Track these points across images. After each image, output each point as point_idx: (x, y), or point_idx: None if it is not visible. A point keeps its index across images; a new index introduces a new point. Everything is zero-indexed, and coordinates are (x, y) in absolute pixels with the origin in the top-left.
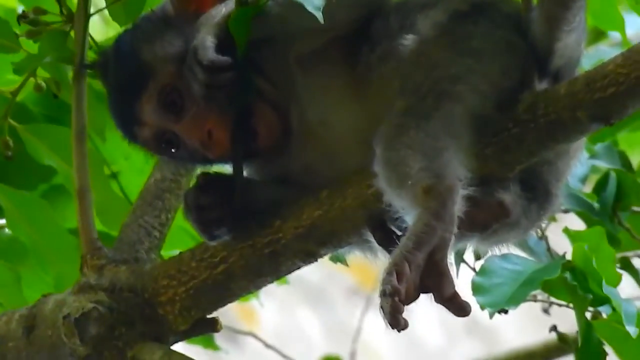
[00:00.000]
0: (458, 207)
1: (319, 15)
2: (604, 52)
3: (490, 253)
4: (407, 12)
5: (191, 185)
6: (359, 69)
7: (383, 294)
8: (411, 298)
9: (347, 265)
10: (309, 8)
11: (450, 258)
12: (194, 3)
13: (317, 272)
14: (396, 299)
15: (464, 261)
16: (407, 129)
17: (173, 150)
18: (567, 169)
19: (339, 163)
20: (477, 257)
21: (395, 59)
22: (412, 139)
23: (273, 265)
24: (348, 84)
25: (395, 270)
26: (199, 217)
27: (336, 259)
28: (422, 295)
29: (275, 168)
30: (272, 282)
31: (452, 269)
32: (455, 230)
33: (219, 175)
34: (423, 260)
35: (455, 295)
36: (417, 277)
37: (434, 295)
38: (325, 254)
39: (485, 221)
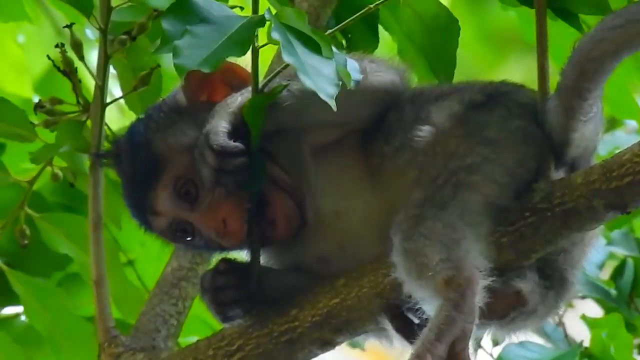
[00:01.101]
0: (479, 298)
1: (333, 104)
2: (620, 138)
3: (507, 340)
4: (422, 103)
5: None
6: (373, 159)
7: None
8: None
9: (363, 350)
10: (322, 96)
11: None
12: (205, 92)
13: (334, 357)
14: None
15: (481, 347)
16: (424, 220)
17: (188, 239)
18: (582, 256)
19: (352, 253)
20: (495, 344)
21: (410, 150)
22: (430, 229)
23: (289, 353)
24: (362, 174)
25: None
26: (214, 298)
27: (354, 345)
28: None
29: (289, 256)
30: None
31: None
32: (477, 320)
33: (237, 262)
34: (444, 351)
35: None
36: None
37: None
38: (341, 342)
39: (502, 310)
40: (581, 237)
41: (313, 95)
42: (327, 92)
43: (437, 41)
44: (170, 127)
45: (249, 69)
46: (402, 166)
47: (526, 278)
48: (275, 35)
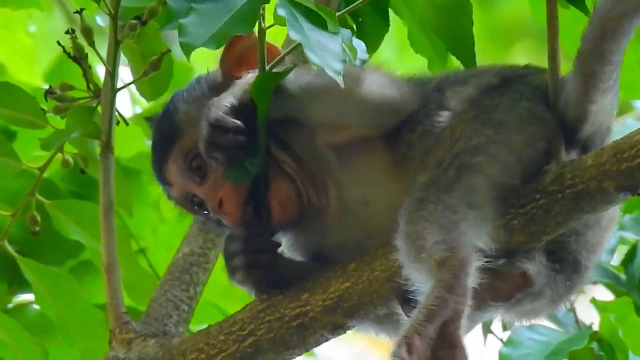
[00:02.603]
0: (473, 279)
1: (340, 80)
2: (630, 126)
3: (517, 323)
4: (444, 90)
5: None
6: (400, 147)
7: None
8: None
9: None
10: (329, 72)
11: (475, 328)
12: (243, 69)
13: (345, 350)
14: None
15: (491, 332)
16: (427, 203)
17: (205, 212)
18: (599, 241)
19: (377, 241)
20: (505, 328)
21: (433, 136)
22: (431, 212)
23: (301, 338)
24: (390, 163)
25: (405, 342)
26: (246, 244)
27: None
28: None
29: (311, 243)
30: (300, 354)
31: (466, 341)
32: (470, 302)
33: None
34: (435, 332)
35: None
36: (429, 350)
37: None
38: (352, 327)
39: (507, 291)
40: (596, 220)
41: (313, 89)
42: (334, 67)
43: (450, 22)
44: (197, 100)
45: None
46: (425, 152)
47: (534, 259)
48: (281, 12)
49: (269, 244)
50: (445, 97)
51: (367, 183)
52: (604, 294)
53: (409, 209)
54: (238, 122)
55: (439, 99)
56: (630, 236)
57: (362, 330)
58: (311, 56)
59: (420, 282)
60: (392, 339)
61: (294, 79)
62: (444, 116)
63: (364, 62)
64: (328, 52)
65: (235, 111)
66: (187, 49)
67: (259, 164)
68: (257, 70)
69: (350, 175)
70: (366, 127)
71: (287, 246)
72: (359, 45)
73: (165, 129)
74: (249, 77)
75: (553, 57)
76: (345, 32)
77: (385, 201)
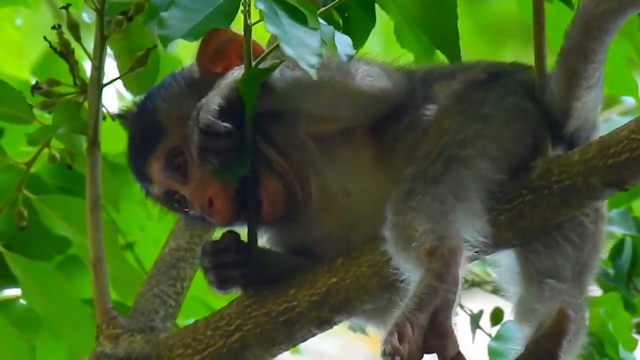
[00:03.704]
0: (463, 269)
1: (313, 73)
2: (616, 122)
3: (506, 318)
4: (431, 82)
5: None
6: (385, 139)
7: (383, 354)
8: (414, 358)
9: (366, 334)
10: (303, 65)
11: (463, 324)
12: (221, 64)
13: (334, 343)
14: (397, 359)
15: (479, 327)
16: (414, 194)
17: (185, 210)
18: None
19: (360, 233)
20: (494, 323)
21: (419, 128)
22: (419, 203)
23: (288, 333)
24: (374, 154)
25: (396, 330)
26: (215, 261)
27: (355, 329)
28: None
29: (294, 237)
30: (287, 350)
31: (456, 330)
32: (459, 290)
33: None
34: (425, 320)
35: (459, 355)
36: (420, 338)
37: (437, 355)
38: (339, 322)
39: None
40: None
41: (302, 84)
42: (308, 61)
43: (435, 16)
44: (176, 97)
45: (263, 44)
46: (410, 144)
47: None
48: (260, 5)
49: (237, 259)
50: (432, 90)
51: (349, 174)
52: (592, 289)
53: (397, 200)
54: (228, 125)
55: (426, 91)
56: (618, 230)
57: (352, 321)
58: (286, 49)
59: (410, 272)
60: (381, 331)
61: (280, 74)
62: (430, 109)
63: (350, 57)
64: (305, 47)
65: (223, 111)
66: (165, 40)
67: (248, 164)
68: (239, 66)
69: (331, 166)
70: (358, 117)
71: (269, 242)
72: (345, 40)
73: (145, 128)
74: (235, 74)
75: (539, 53)
76: (328, 29)
77: (368, 192)
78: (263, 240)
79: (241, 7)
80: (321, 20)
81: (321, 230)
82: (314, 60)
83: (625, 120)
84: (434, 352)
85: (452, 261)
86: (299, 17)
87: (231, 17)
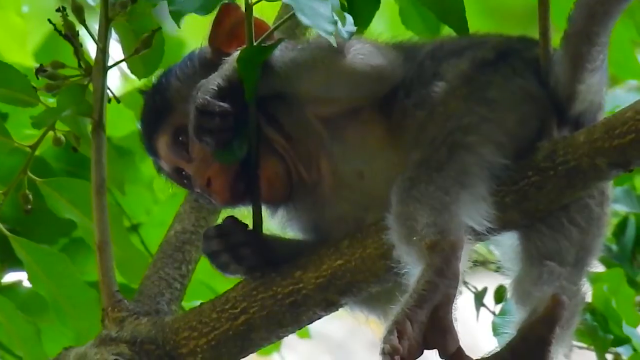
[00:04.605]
0: (464, 263)
1: (332, 40)
2: (620, 97)
3: (509, 295)
4: (440, 58)
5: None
6: (395, 116)
7: (382, 353)
8: (414, 355)
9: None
10: (321, 33)
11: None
12: (232, 45)
13: (340, 326)
14: (396, 358)
15: (484, 305)
16: (418, 182)
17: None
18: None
19: (375, 214)
20: (498, 301)
21: (427, 106)
22: (422, 192)
23: (294, 315)
24: (383, 133)
25: (396, 328)
26: (226, 242)
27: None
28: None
29: (309, 220)
30: (293, 332)
31: (456, 325)
32: (460, 285)
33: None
34: (426, 316)
35: (460, 351)
36: (420, 334)
37: (438, 351)
38: (345, 304)
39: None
40: None
41: (299, 65)
42: (326, 29)
43: None
44: (188, 77)
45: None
46: (422, 121)
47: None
48: None
49: (247, 237)
50: (441, 67)
51: (361, 154)
52: (596, 266)
53: (401, 188)
54: (225, 105)
55: (435, 67)
56: (622, 208)
57: (353, 311)
58: (303, 18)
59: (411, 264)
60: (382, 320)
61: (280, 55)
62: (439, 86)
63: (351, 34)
64: (319, 16)
65: (223, 92)
66: (177, 15)
67: (247, 146)
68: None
69: (343, 148)
70: (355, 97)
71: (284, 223)
72: (347, 17)
73: (157, 104)
74: (236, 54)
75: (544, 35)
76: (334, 0)
77: (381, 172)
78: (276, 221)
79: None
80: None
81: (336, 212)
82: (330, 27)
83: (629, 96)
84: (434, 348)
85: (452, 256)
86: None
87: None
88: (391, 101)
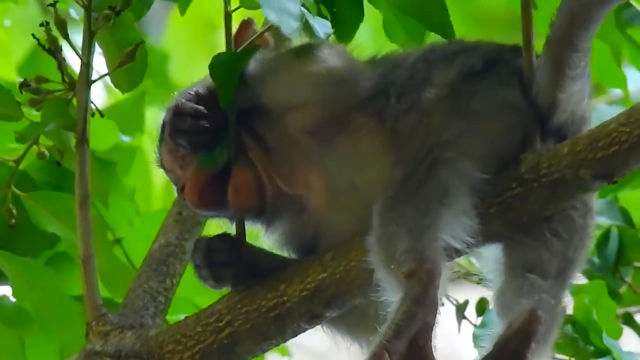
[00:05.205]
0: (442, 290)
1: (294, 37)
2: (602, 111)
3: (492, 306)
4: (431, 63)
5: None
6: (387, 121)
7: None
8: None
9: None
10: (285, 30)
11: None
12: None
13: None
14: None
15: (465, 317)
16: (398, 203)
17: None
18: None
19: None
20: (479, 313)
21: (418, 113)
22: (401, 214)
23: (279, 327)
24: (377, 139)
25: None
26: (207, 259)
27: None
28: None
29: (305, 238)
30: (277, 345)
31: (435, 352)
32: (439, 313)
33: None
34: (404, 347)
35: None
36: None
37: None
38: (330, 316)
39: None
40: None
41: (265, 72)
42: (290, 25)
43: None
44: (193, 85)
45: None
46: (414, 125)
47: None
48: None
49: (230, 257)
50: (431, 73)
51: (353, 164)
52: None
53: (381, 208)
54: (198, 106)
55: (427, 73)
56: (605, 220)
57: (331, 332)
58: (268, 14)
59: (390, 291)
60: (362, 348)
61: (252, 64)
62: (429, 92)
63: (328, 35)
64: (286, 12)
65: (201, 98)
66: (137, 9)
67: (228, 154)
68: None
69: (333, 159)
70: (322, 101)
71: (279, 245)
72: (323, 21)
73: (165, 114)
74: None
75: (527, 45)
76: None
77: (376, 179)
78: (271, 241)
79: None
80: None
81: (333, 229)
82: (295, 24)
83: (611, 109)
84: None
85: (430, 284)
86: None
87: None
88: (384, 107)
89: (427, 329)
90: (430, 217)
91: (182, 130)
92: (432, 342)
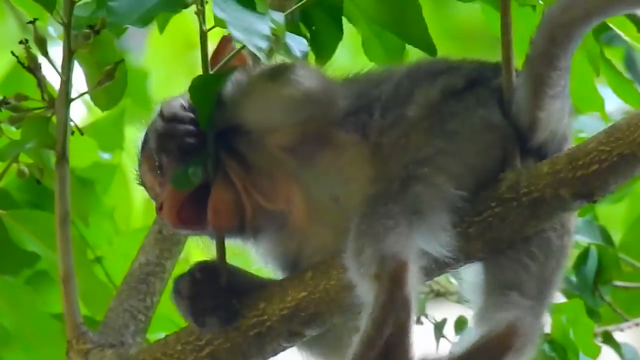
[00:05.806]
0: (412, 286)
1: (262, 57)
2: (583, 122)
3: (470, 325)
4: (416, 80)
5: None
6: (371, 136)
7: None
8: None
9: None
10: (252, 49)
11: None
12: None
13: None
14: None
15: (443, 336)
16: (371, 216)
17: None
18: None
19: None
20: (458, 332)
21: (401, 129)
22: (369, 224)
23: (258, 346)
24: (359, 154)
25: None
26: (192, 306)
27: None
28: None
29: (288, 253)
30: None
31: (414, 349)
32: (414, 310)
33: (211, 265)
34: (380, 354)
35: None
36: None
37: None
38: (310, 335)
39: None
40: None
41: (241, 94)
42: (257, 45)
43: (400, 14)
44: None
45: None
46: (397, 141)
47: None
48: None
49: (215, 301)
50: (415, 91)
51: (334, 178)
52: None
53: (354, 224)
54: (188, 114)
55: (411, 89)
56: (583, 239)
57: (305, 354)
58: (235, 34)
59: (367, 300)
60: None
61: (230, 88)
62: (412, 110)
63: (305, 54)
64: (254, 31)
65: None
66: (115, 28)
67: (202, 174)
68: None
69: (313, 174)
70: (298, 121)
71: (264, 261)
72: (298, 38)
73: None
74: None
75: (507, 65)
76: (277, 15)
77: (357, 192)
78: (257, 254)
79: (195, 8)
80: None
81: (315, 243)
82: (263, 44)
83: (592, 121)
84: None
85: (396, 285)
86: (247, 2)
87: (180, 3)
88: (367, 122)
89: (402, 331)
90: (399, 225)
91: (174, 135)
92: (410, 347)
